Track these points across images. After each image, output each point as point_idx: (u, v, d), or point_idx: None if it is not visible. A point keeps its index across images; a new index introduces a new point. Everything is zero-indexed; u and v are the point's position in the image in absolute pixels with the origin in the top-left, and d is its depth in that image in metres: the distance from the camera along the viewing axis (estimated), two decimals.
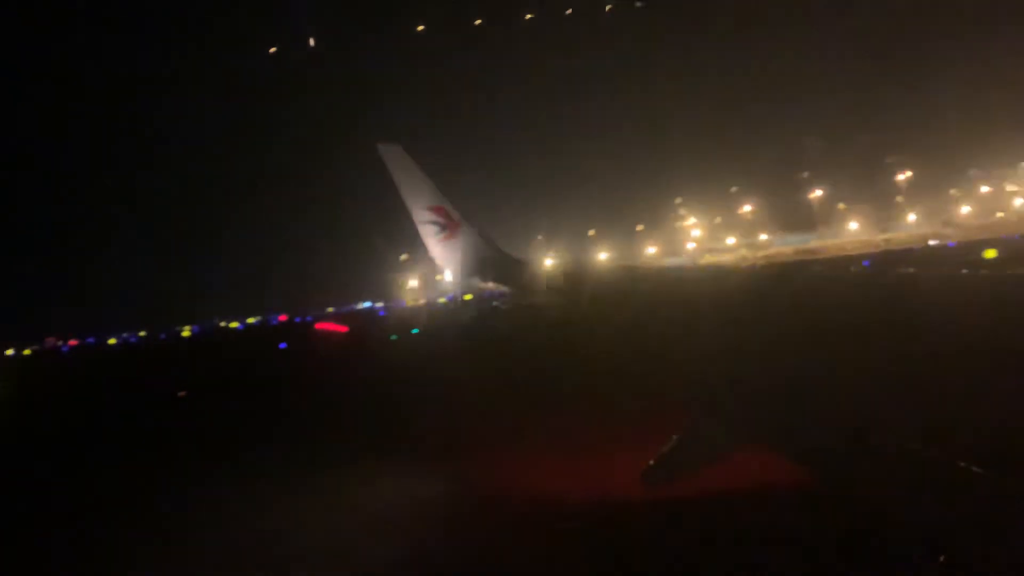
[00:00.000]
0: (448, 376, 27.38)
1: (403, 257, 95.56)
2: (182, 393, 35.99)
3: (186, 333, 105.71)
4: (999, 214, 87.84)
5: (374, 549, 12.53)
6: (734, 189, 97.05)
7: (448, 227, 15.92)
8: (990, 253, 39.46)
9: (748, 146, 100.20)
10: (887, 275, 15.43)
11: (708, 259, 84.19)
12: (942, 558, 6.55)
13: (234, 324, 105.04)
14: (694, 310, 11.37)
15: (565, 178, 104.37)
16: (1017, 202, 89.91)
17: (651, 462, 10.73)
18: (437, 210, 15.92)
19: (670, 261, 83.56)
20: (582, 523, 12.37)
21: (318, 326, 66.37)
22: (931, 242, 75.48)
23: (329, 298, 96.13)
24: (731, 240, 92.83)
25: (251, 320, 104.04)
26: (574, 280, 14.39)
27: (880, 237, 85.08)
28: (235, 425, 24.52)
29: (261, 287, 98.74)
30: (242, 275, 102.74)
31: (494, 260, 16.01)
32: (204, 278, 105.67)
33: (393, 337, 52.19)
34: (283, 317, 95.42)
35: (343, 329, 56.78)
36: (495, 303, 70.69)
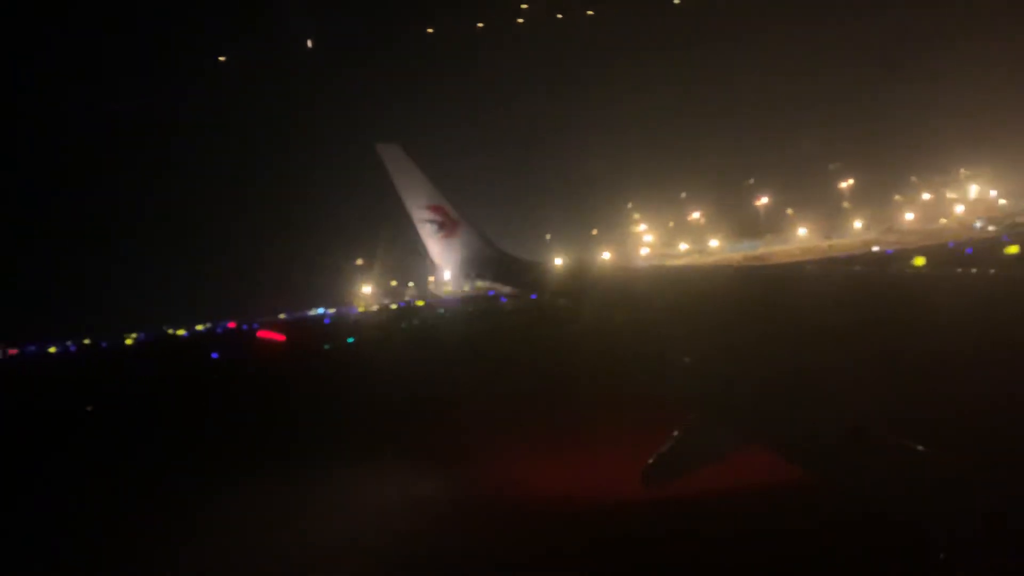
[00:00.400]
0: (372, 386, 27.49)
1: (358, 262, 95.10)
2: (89, 407, 34.92)
3: (129, 341, 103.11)
4: (942, 220, 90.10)
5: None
6: (684, 195, 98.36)
7: (447, 226, 15.90)
8: (919, 261, 40.46)
9: (701, 153, 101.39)
10: (887, 274, 15.63)
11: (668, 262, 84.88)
12: (942, 556, 6.59)
13: (181, 331, 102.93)
14: (694, 309, 11.42)
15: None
16: (958, 209, 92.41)
17: (650, 462, 10.70)
18: (436, 209, 15.90)
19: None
20: (580, 523, 12.46)
21: (259, 334, 65.33)
22: (874, 248, 76.75)
23: (283, 303, 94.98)
24: (684, 246, 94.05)
25: (199, 327, 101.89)
26: (573, 279, 14.44)
27: (824, 243, 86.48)
28: (129, 443, 23.87)
29: (219, 291, 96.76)
30: (202, 279, 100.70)
31: (493, 259, 16.03)
32: (165, 282, 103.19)
33: (326, 347, 51.80)
34: (232, 324, 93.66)
35: (281, 338, 56.08)
36: (441, 310, 70.54)
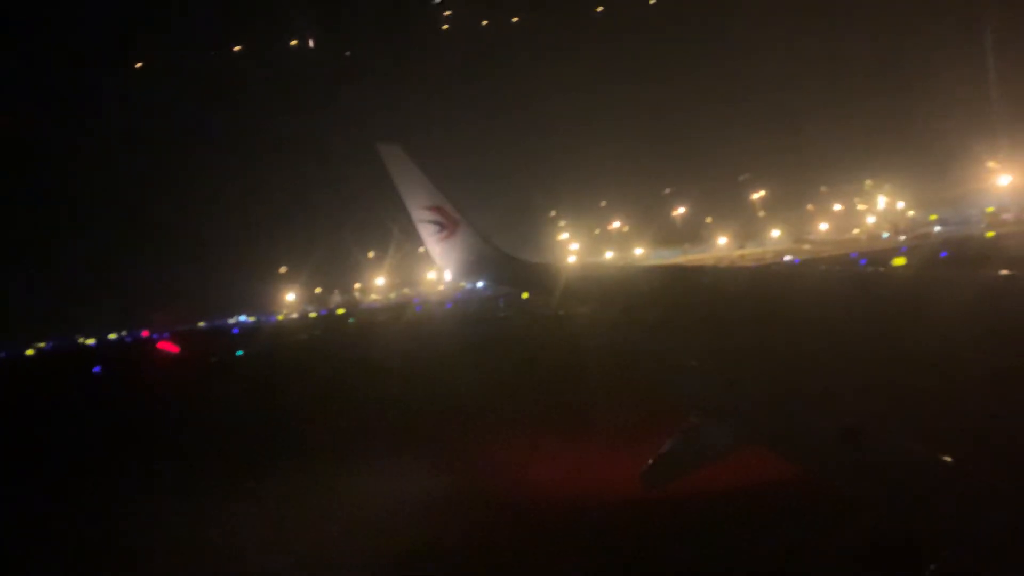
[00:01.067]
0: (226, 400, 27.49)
1: (282, 269, 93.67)
2: None
3: (30, 352, 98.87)
4: (855, 231, 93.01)
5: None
6: (604, 203, 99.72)
7: (447, 227, 15.74)
8: None
9: (626, 161, 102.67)
10: (887, 275, 15.93)
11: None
12: (941, 557, 6.64)
13: (91, 340, 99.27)
14: (694, 309, 11.45)
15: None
16: (870, 220, 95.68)
17: (650, 462, 10.66)
18: (436, 210, 15.72)
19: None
20: (580, 523, 12.50)
21: (158, 345, 63.50)
22: (786, 258, 78.37)
23: (205, 312, 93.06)
24: (609, 254, 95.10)
25: (112, 336, 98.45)
26: (572, 279, 14.38)
27: (736, 253, 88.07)
28: None
29: (146, 297, 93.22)
30: (135, 283, 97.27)
31: (493, 259, 15.92)
32: (97, 288, 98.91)
33: (213, 359, 50.65)
34: (145, 332, 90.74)
35: (175, 349, 54.85)
36: (351, 319, 70.20)
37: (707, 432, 10.11)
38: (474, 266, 16.17)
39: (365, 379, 28.63)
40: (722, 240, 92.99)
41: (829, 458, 7.93)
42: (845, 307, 9.75)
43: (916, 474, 6.89)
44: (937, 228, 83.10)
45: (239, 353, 53.30)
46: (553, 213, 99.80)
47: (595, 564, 11.32)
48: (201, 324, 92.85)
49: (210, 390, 31.88)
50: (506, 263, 16.03)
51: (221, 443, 20.92)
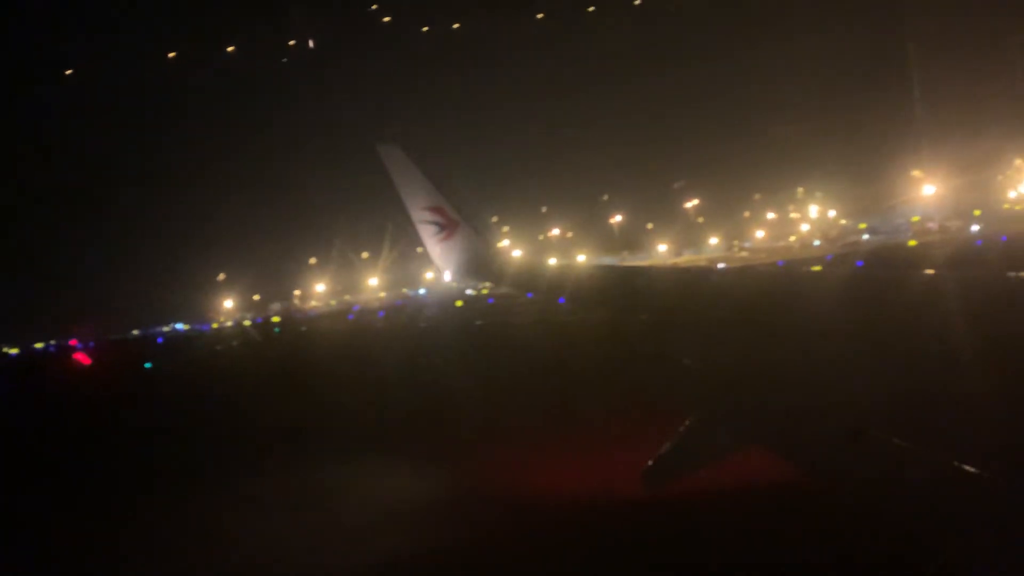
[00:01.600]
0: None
1: (220, 276, 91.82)
2: None
3: None
4: (792, 238, 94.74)
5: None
6: (544, 209, 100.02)
7: (447, 227, 15.60)
8: None
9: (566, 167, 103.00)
10: (887, 274, 16.14)
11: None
12: (941, 557, 6.73)
13: (14, 349, 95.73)
14: (694, 309, 11.49)
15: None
16: (804, 228, 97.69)
17: (651, 462, 10.67)
18: (436, 210, 15.59)
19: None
20: (580, 523, 12.48)
21: (73, 356, 61.51)
22: (719, 265, 79.15)
23: (142, 320, 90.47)
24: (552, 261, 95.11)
25: (39, 345, 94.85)
26: (572, 280, 14.33)
27: (670, 261, 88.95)
28: None
29: (86, 305, 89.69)
30: (75, 291, 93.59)
31: (492, 260, 15.84)
32: (37, 294, 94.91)
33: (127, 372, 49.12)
34: (74, 341, 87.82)
35: (86, 362, 53.30)
36: (276, 330, 69.40)
37: (707, 432, 10.11)
38: (473, 266, 16.11)
39: (268, 393, 27.82)
40: (661, 247, 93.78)
41: (829, 459, 7.96)
42: (846, 308, 9.80)
43: (916, 475, 6.94)
44: (865, 236, 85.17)
45: (147, 365, 51.59)
46: (495, 219, 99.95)
47: (595, 564, 11.28)
48: (135, 332, 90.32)
49: (98, 406, 30.72)
50: (507, 264, 16.00)
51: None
